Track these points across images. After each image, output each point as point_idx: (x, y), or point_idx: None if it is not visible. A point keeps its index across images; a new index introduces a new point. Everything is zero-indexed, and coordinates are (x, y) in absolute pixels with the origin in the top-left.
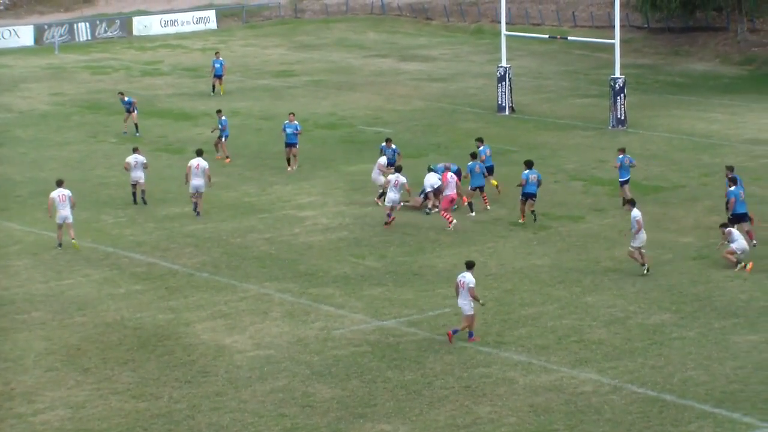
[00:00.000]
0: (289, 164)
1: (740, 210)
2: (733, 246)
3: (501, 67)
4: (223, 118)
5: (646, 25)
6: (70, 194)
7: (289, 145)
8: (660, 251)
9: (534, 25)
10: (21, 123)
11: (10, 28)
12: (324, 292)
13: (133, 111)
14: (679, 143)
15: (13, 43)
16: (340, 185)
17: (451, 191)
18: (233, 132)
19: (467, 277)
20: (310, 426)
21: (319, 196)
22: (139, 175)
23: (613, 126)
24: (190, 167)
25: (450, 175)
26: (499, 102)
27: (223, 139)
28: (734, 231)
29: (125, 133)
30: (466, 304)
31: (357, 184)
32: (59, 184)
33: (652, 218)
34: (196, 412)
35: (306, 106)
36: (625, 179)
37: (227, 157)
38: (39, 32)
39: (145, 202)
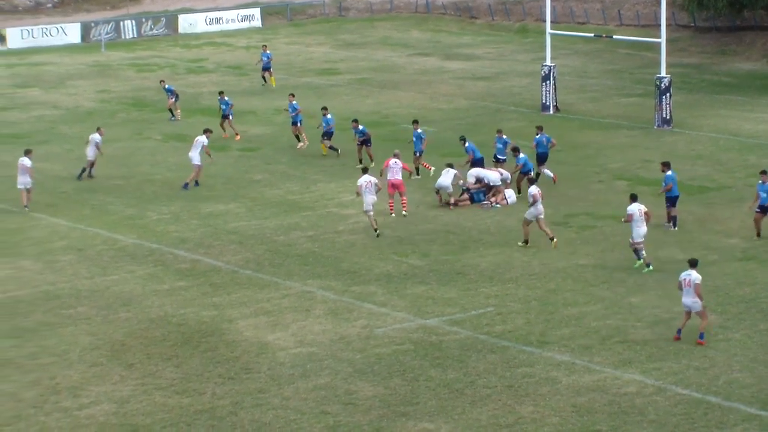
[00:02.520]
0: (299, 141)
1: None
2: None
3: (545, 65)
4: (226, 98)
5: (692, 24)
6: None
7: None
8: (705, 252)
9: (579, 23)
10: (67, 120)
11: (58, 25)
12: (367, 290)
13: (173, 98)
14: (725, 143)
15: (60, 40)
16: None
17: (392, 176)
18: (277, 129)
19: (692, 275)
20: (352, 424)
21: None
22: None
23: (658, 126)
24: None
25: (394, 160)
26: (544, 101)
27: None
28: None
29: (173, 119)
30: (695, 303)
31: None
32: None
33: (696, 219)
34: (239, 409)
35: (349, 105)
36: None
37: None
38: (86, 30)
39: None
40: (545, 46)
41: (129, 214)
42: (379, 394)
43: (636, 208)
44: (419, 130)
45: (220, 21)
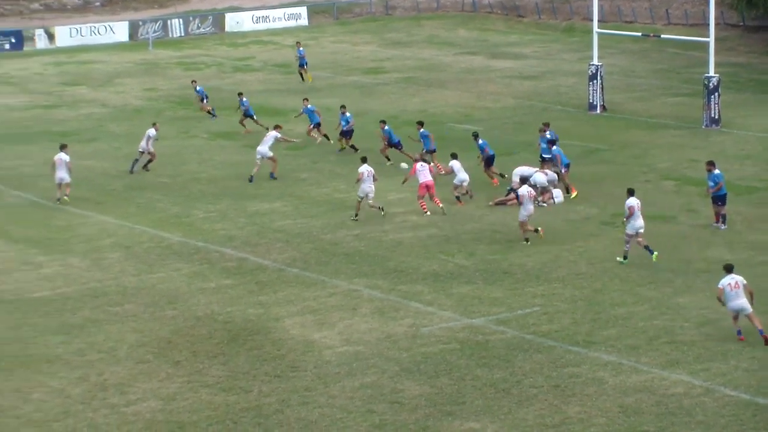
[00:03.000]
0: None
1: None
2: None
3: (592, 65)
4: (245, 99)
5: (741, 23)
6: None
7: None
8: (753, 253)
9: (626, 22)
10: (115, 118)
11: (106, 24)
12: (413, 289)
13: (204, 100)
14: None
15: (108, 39)
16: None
17: (424, 179)
18: (324, 128)
19: (737, 277)
20: (398, 422)
21: (409, 193)
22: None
23: (706, 125)
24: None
25: (420, 163)
26: (591, 100)
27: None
28: None
29: (214, 117)
30: (745, 304)
31: (446, 181)
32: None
33: (745, 219)
34: (285, 407)
35: (396, 103)
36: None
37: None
38: (133, 28)
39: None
40: (592, 45)
41: (175, 212)
42: (425, 393)
43: (635, 202)
44: (423, 130)
45: (267, 19)
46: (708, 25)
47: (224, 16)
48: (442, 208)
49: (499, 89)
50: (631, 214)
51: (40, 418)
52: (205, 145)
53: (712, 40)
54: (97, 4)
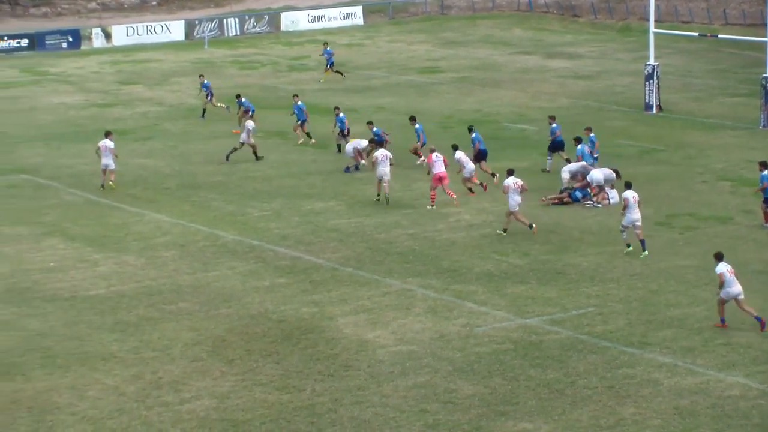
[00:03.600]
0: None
1: None
2: None
3: (649, 65)
4: (243, 100)
5: None
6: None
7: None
8: None
9: (683, 22)
10: (170, 116)
11: (162, 23)
12: (467, 288)
13: (209, 96)
14: None
15: (164, 37)
16: (485, 182)
17: (438, 170)
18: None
19: (728, 264)
20: (451, 422)
21: (463, 194)
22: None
23: (764, 126)
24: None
25: (435, 154)
26: (647, 100)
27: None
28: None
29: (227, 107)
30: (741, 288)
31: (501, 180)
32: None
33: None
34: (339, 406)
35: (451, 103)
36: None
37: (309, 140)
38: (189, 27)
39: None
40: (649, 45)
41: (230, 210)
42: (479, 393)
43: (630, 195)
44: (418, 125)
45: (322, 19)
46: (766, 25)
47: (280, 16)
48: (454, 199)
49: (553, 89)
50: (626, 206)
51: (95, 415)
52: (260, 143)
53: None
54: (154, 3)
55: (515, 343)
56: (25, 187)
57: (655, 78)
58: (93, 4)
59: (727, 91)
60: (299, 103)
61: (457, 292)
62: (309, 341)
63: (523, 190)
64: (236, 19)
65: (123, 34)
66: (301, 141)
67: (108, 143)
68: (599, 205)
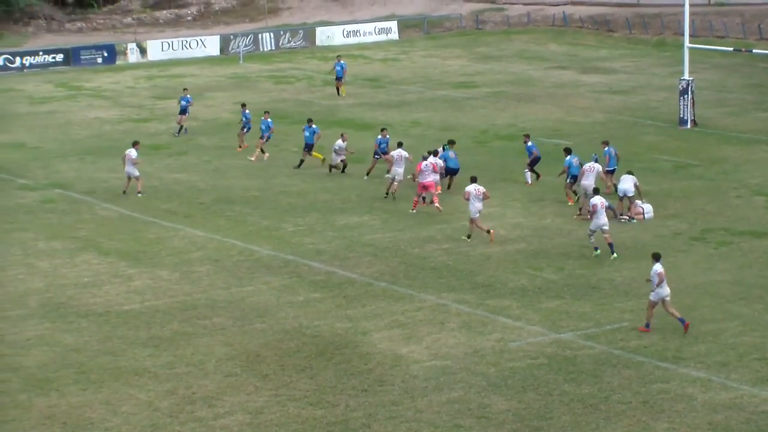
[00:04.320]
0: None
1: None
2: None
3: (683, 80)
4: (247, 111)
5: None
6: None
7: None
8: None
9: (718, 37)
10: (205, 131)
11: (198, 38)
12: (501, 303)
13: (186, 113)
14: None
15: (199, 52)
16: (519, 197)
17: (423, 179)
18: (414, 142)
19: (660, 269)
20: None
21: (498, 207)
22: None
23: None
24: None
25: (425, 163)
26: (681, 115)
27: (245, 130)
28: None
29: (186, 131)
30: (668, 290)
31: (535, 195)
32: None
33: None
34: (372, 421)
35: (486, 118)
36: (611, 169)
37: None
38: (225, 42)
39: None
40: (683, 59)
41: (265, 225)
42: (513, 408)
43: (598, 200)
44: (380, 137)
45: (357, 34)
46: None
47: (315, 30)
48: (437, 207)
49: (588, 104)
50: (594, 212)
51: (128, 430)
52: (294, 158)
53: None
54: (189, 18)
55: (549, 358)
56: (60, 201)
57: (689, 93)
58: (129, 20)
59: (762, 106)
60: (268, 120)
61: (491, 307)
62: (343, 356)
63: (484, 198)
64: (271, 34)
65: (158, 49)
66: (256, 156)
67: (131, 153)
68: (634, 221)
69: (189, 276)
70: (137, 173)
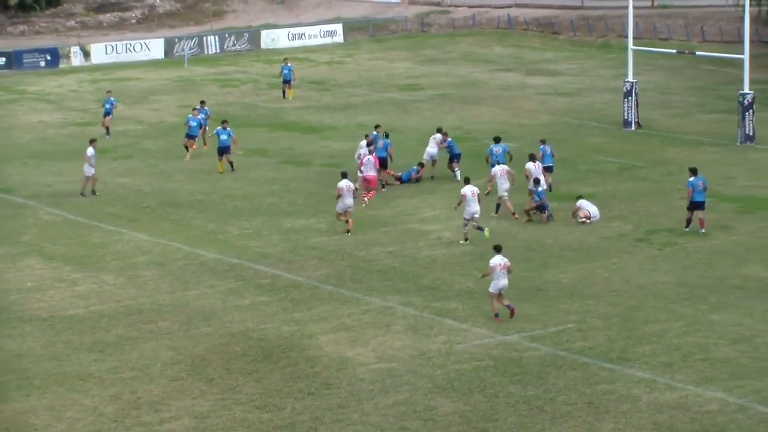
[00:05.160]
0: (187, 150)
1: (697, 198)
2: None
3: (627, 82)
4: (206, 108)
5: None
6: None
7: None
8: None
9: (661, 39)
10: (150, 135)
11: (142, 41)
12: (447, 306)
13: (110, 115)
14: None
15: (144, 56)
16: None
17: (366, 172)
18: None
19: (505, 258)
20: None
21: (444, 210)
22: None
23: (741, 142)
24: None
25: (368, 157)
26: (626, 117)
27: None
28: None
29: (108, 136)
30: (506, 283)
31: (482, 197)
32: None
33: None
34: (319, 424)
35: (432, 120)
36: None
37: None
38: (169, 45)
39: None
40: (627, 62)
41: (210, 228)
42: (459, 410)
43: (468, 190)
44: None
45: (303, 36)
46: (743, 42)
47: (260, 33)
48: (364, 202)
49: (534, 106)
50: (462, 201)
51: None
52: (240, 161)
53: (746, 57)
54: (133, 21)
55: (495, 360)
56: (3, 206)
57: (633, 95)
58: (72, 23)
59: (705, 108)
60: (228, 129)
61: (437, 309)
62: (289, 360)
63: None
64: (216, 37)
65: (102, 52)
66: (188, 158)
67: (88, 151)
68: (587, 221)
69: (134, 280)
70: (88, 172)
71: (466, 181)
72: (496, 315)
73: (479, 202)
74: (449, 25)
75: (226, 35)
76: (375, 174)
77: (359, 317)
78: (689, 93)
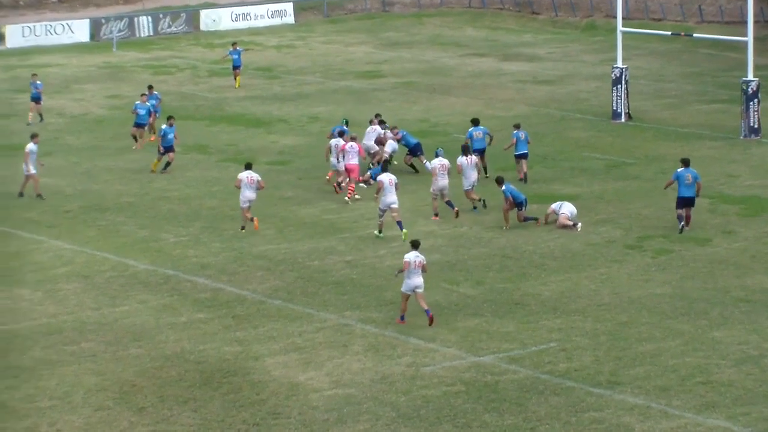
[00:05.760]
0: (136, 140)
1: (685, 194)
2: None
3: (616, 68)
4: (156, 93)
5: None
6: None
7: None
8: None
9: (654, 20)
10: (73, 129)
11: (64, 22)
12: (412, 323)
13: (40, 101)
14: None
15: (66, 39)
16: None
17: (347, 161)
18: (312, 140)
19: (420, 255)
20: None
21: (408, 214)
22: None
23: (745, 135)
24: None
25: (350, 144)
26: (614, 108)
27: (156, 115)
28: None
29: (30, 124)
30: (421, 283)
31: (452, 200)
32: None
33: None
34: None
35: (395, 112)
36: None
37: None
38: (95, 27)
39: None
40: (616, 45)
41: (142, 236)
42: None
43: (386, 178)
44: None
45: (248, 17)
46: (746, 23)
47: (199, 14)
48: (348, 199)
49: (511, 95)
50: (380, 189)
51: None
52: (176, 159)
53: (750, 39)
54: (54, 0)
55: (467, 385)
56: None
57: (623, 83)
58: None
59: (704, 98)
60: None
61: (401, 327)
62: (232, 385)
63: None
64: (149, 18)
65: (18, 34)
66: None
67: (29, 147)
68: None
69: (54, 295)
70: (26, 171)
71: (384, 168)
72: (402, 317)
73: (396, 190)
74: (414, 4)
75: (161, 15)
76: (357, 163)
77: (312, 336)
78: (686, 80)
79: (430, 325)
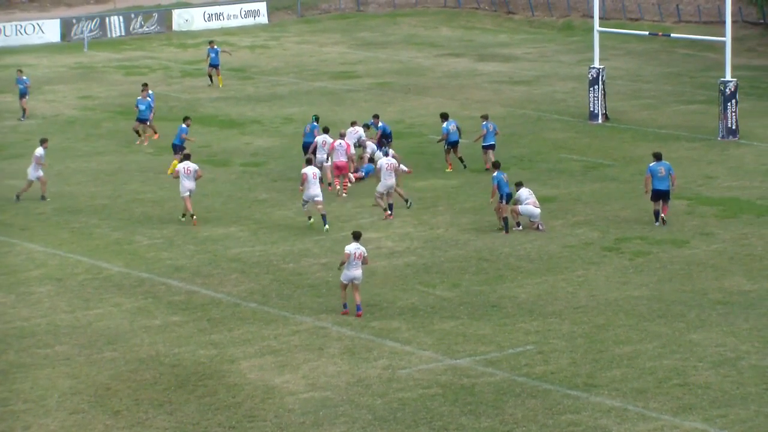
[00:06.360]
0: (139, 135)
1: (659, 186)
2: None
3: (593, 68)
4: (150, 92)
5: (761, 21)
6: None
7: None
8: None
9: (632, 20)
10: (45, 130)
11: (34, 22)
12: (388, 325)
13: (26, 96)
14: None
15: (37, 39)
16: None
17: (336, 158)
18: (286, 141)
19: (361, 247)
20: None
21: (381, 216)
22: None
23: (722, 136)
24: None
25: (339, 142)
26: (591, 108)
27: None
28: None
29: (22, 119)
30: (360, 274)
31: (427, 202)
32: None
33: (767, 242)
34: None
35: (369, 112)
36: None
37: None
38: (66, 27)
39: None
40: (593, 45)
41: (115, 238)
42: None
43: (310, 171)
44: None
45: (221, 17)
46: (724, 22)
47: (171, 14)
48: (338, 191)
49: (486, 96)
50: (304, 181)
51: None
52: (149, 160)
53: (728, 39)
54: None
55: (444, 387)
56: None
57: (600, 83)
58: None
59: (682, 98)
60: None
61: (376, 329)
62: (207, 388)
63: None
64: (120, 18)
65: None
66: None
67: (37, 151)
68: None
69: (27, 298)
70: (31, 176)
71: (308, 162)
72: (345, 306)
73: (321, 184)
74: (389, 4)
75: (132, 15)
76: (346, 160)
77: (287, 339)
78: (664, 81)
79: (357, 316)
